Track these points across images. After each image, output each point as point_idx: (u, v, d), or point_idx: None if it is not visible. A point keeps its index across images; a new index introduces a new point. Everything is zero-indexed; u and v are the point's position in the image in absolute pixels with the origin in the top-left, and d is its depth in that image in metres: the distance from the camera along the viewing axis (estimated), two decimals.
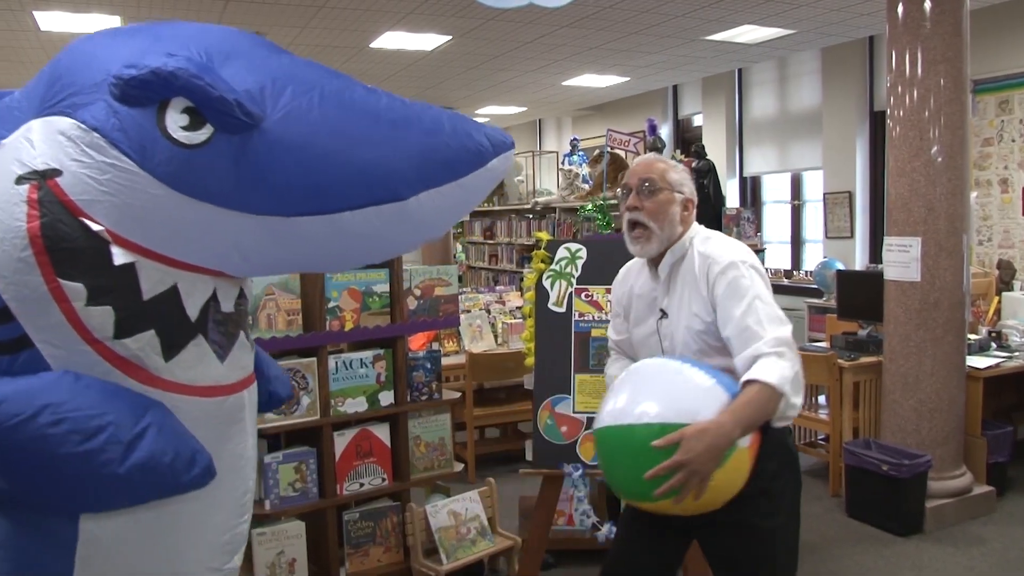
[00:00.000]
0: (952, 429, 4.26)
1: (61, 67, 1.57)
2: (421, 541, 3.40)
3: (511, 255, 10.63)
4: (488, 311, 5.60)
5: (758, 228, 8.04)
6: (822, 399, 5.08)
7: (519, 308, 5.57)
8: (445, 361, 4.44)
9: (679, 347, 2.15)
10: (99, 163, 1.48)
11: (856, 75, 8.12)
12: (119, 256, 1.51)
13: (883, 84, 4.94)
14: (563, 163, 9.55)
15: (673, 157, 7.08)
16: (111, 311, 1.51)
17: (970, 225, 4.62)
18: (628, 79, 9.40)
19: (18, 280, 1.48)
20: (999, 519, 4.30)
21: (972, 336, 4.72)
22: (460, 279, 9.31)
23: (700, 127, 10.37)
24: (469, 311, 5.41)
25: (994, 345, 4.88)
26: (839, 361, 4.63)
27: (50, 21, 6.58)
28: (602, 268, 3.33)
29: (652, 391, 1.97)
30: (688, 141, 10.37)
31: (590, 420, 3.26)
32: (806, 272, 8.77)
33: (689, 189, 2.24)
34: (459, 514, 3.51)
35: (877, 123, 7.98)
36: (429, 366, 3.59)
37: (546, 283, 3.42)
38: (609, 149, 7.65)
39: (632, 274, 2.37)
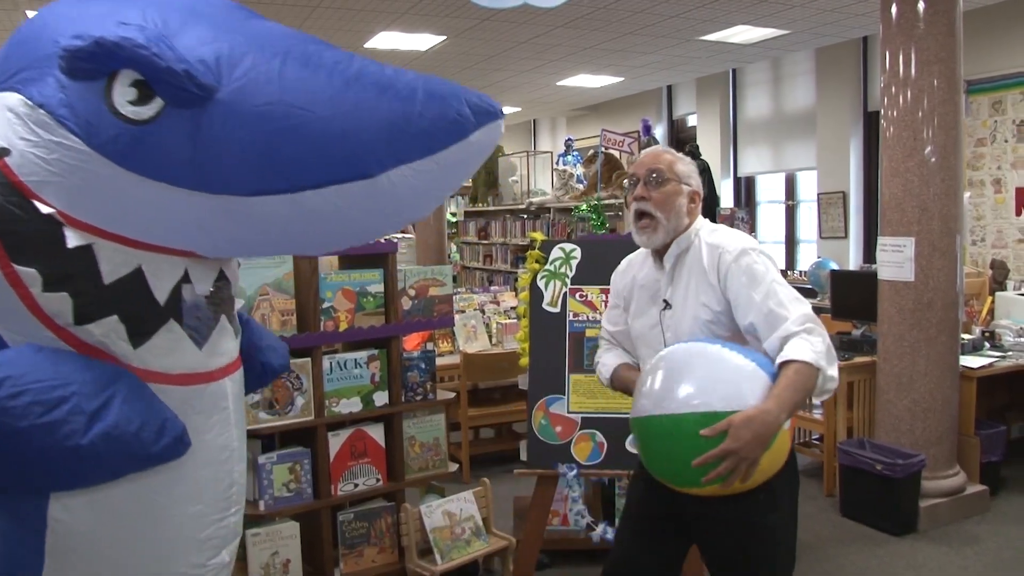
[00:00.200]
0: (946, 429, 4.27)
1: (18, 39, 1.49)
2: (416, 541, 3.40)
3: (505, 255, 10.63)
4: (483, 311, 5.60)
5: (752, 228, 8.06)
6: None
7: (513, 308, 5.57)
8: (440, 361, 4.43)
9: (684, 338, 2.14)
10: (46, 142, 1.40)
11: (850, 75, 8.14)
12: (72, 238, 1.44)
13: (877, 84, 4.95)
14: (557, 163, 9.55)
15: None
16: (68, 297, 1.44)
17: (964, 225, 4.63)
18: (622, 79, 9.41)
19: None
20: (993, 518, 4.31)
21: (966, 336, 4.73)
22: (454, 279, 9.30)
23: (694, 127, 10.39)
24: (463, 311, 5.40)
25: (987, 345, 4.89)
26: None
27: None
28: (596, 268, 3.33)
29: (694, 377, 1.96)
30: (682, 141, 10.39)
31: (585, 420, 3.27)
32: (800, 272, 8.78)
33: (696, 182, 2.25)
34: (454, 514, 3.50)
35: (871, 123, 8.00)
36: (424, 366, 3.59)
37: (540, 283, 3.42)
38: (603, 149, 7.65)
39: (635, 265, 2.36)
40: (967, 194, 6.30)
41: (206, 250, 1.56)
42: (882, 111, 4.35)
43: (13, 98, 1.42)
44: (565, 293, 3.39)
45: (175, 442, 1.51)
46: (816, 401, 2.05)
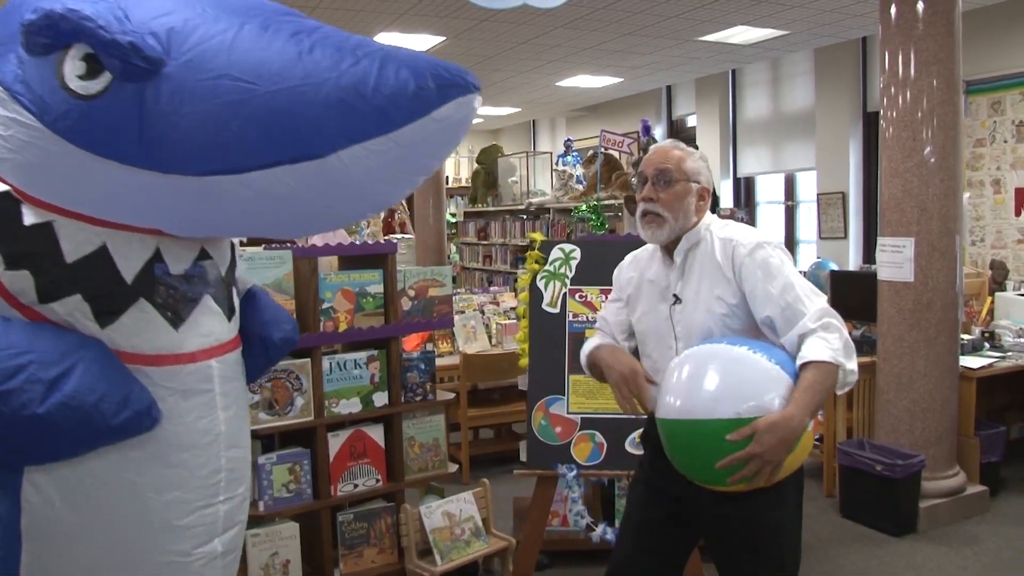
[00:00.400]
0: (945, 429, 4.27)
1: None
2: (415, 542, 3.40)
3: (505, 256, 10.63)
4: (482, 312, 5.59)
5: None
6: None
7: (513, 309, 5.57)
8: (439, 362, 4.43)
9: (696, 332, 2.14)
10: (2, 118, 1.39)
11: (849, 76, 8.14)
12: (30, 216, 1.43)
13: (876, 85, 4.95)
14: (557, 164, 9.57)
15: None
16: (29, 275, 1.43)
17: (963, 226, 4.63)
18: (622, 80, 9.41)
19: None
20: (992, 519, 4.31)
21: (965, 336, 4.73)
22: (454, 280, 9.30)
23: (694, 128, 10.39)
24: (463, 312, 5.40)
25: (987, 345, 4.89)
26: None
27: None
28: (596, 269, 3.33)
29: (719, 381, 1.96)
30: (682, 142, 10.37)
31: (584, 421, 3.27)
32: (800, 272, 8.77)
33: (706, 178, 2.23)
34: (453, 515, 3.50)
35: (870, 124, 8.00)
36: (423, 367, 3.59)
37: (540, 284, 3.42)
38: (603, 150, 7.66)
39: (642, 261, 2.35)
40: (966, 194, 6.30)
41: (172, 229, 1.51)
42: (881, 111, 4.35)
43: None
44: (565, 294, 3.39)
45: (137, 416, 1.46)
46: (839, 392, 2.06)
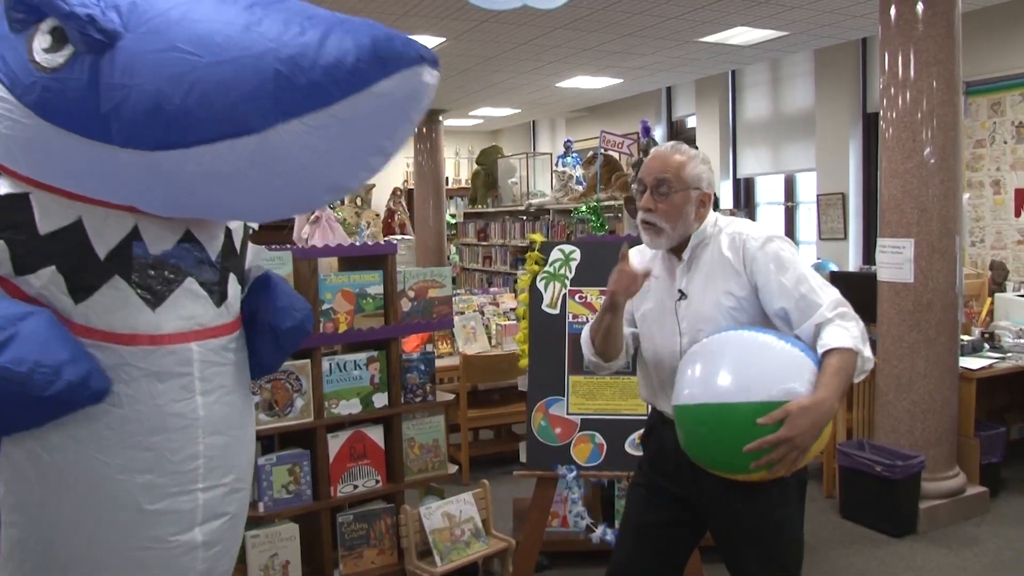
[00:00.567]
0: (945, 430, 4.27)
1: None
2: (415, 543, 3.40)
3: (505, 257, 10.63)
4: (482, 313, 5.60)
5: None
6: None
7: (513, 310, 5.57)
8: (439, 363, 4.43)
9: (704, 325, 2.13)
10: None
11: (849, 77, 8.14)
12: (5, 187, 1.46)
13: (876, 86, 4.95)
14: (557, 165, 9.57)
15: None
16: (5, 246, 1.45)
17: (963, 226, 4.63)
18: (622, 81, 9.40)
19: None
20: (992, 520, 4.31)
21: (965, 337, 4.73)
22: (454, 281, 9.31)
23: (693, 129, 10.39)
24: (463, 313, 5.40)
25: (987, 346, 4.89)
26: None
27: None
28: (596, 270, 3.33)
29: (745, 366, 1.97)
30: (684, 144, 10.37)
31: (584, 422, 3.27)
32: None
33: (707, 182, 2.21)
34: (453, 516, 3.50)
35: (870, 125, 7.99)
36: (423, 368, 3.59)
37: (540, 285, 3.42)
38: (603, 151, 7.66)
39: (647, 256, 2.33)
40: (966, 195, 6.30)
41: (143, 206, 1.50)
42: (881, 112, 4.36)
43: None
44: (564, 294, 3.39)
45: (70, 387, 1.42)
46: (855, 380, 2.07)
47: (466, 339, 5.18)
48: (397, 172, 13.71)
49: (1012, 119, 6.68)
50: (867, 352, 2.01)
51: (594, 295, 3.35)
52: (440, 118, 11.28)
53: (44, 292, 1.47)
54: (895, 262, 4.24)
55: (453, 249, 12.17)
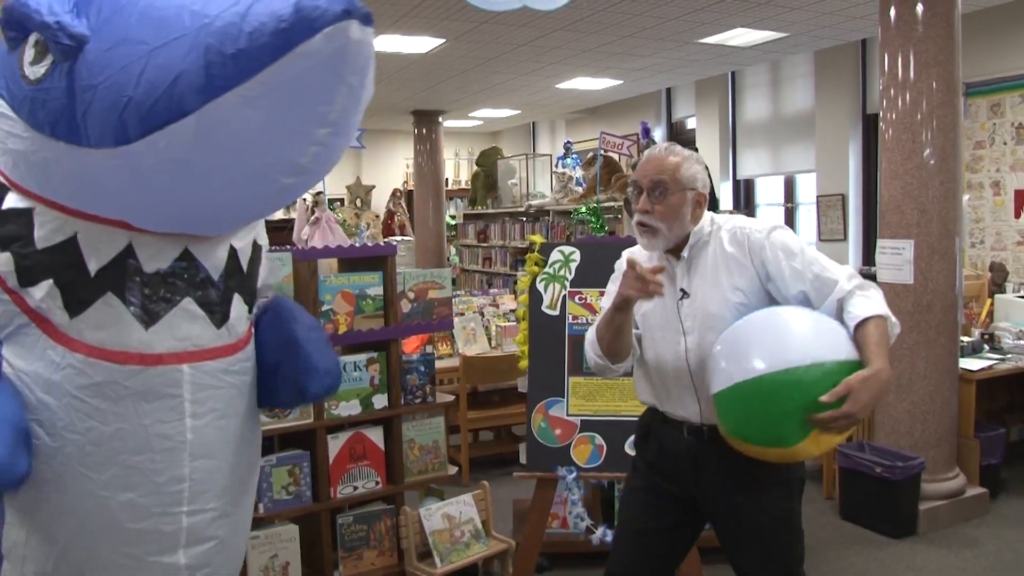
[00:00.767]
0: (945, 431, 4.27)
1: None
2: (415, 544, 3.39)
3: (505, 258, 10.62)
4: (482, 314, 5.60)
5: None
6: None
7: (513, 311, 5.57)
8: (439, 364, 4.43)
9: (711, 322, 2.12)
10: None
11: (849, 78, 8.15)
12: (11, 201, 1.50)
13: (876, 87, 4.95)
14: (557, 166, 9.56)
15: None
16: (10, 258, 1.48)
17: (963, 228, 4.63)
18: (621, 82, 9.40)
19: None
20: (992, 521, 4.31)
21: (965, 338, 4.73)
22: (454, 282, 9.30)
23: (693, 130, 10.39)
24: (463, 314, 5.40)
25: (987, 347, 4.89)
26: None
27: None
28: (595, 271, 3.33)
29: (797, 335, 1.98)
30: (681, 144, 10.37)
31: (584, 423, 3.27)
32: None
33: (702, 182, 2.21)
34: (453, 517, 3.50)
35: (870, 126, 8.00)
36: (423, 369, 3.59)
37: (540, 286, 3.42)
38: (602, 152, 7.65)
39: (646, 255, 2.31)
40: (966, 196, 6.30)
41: (130, 217, 1.48)
42: (881, 113, 4.36)
43: None
44: (564, 296, 3.39)
45: None
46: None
47: (466, 340, 5.18)
48: (397, 173, 13.73)
49: (1012, 120, 6.68)
50: (893, 318, 2.06)
51: (594, 296, 3.35)
52: (440, 119, 11.29)
53: (43, 305, 1.49)
54: (895, 263, 4.24)
55: (453, 250, 12.17)
